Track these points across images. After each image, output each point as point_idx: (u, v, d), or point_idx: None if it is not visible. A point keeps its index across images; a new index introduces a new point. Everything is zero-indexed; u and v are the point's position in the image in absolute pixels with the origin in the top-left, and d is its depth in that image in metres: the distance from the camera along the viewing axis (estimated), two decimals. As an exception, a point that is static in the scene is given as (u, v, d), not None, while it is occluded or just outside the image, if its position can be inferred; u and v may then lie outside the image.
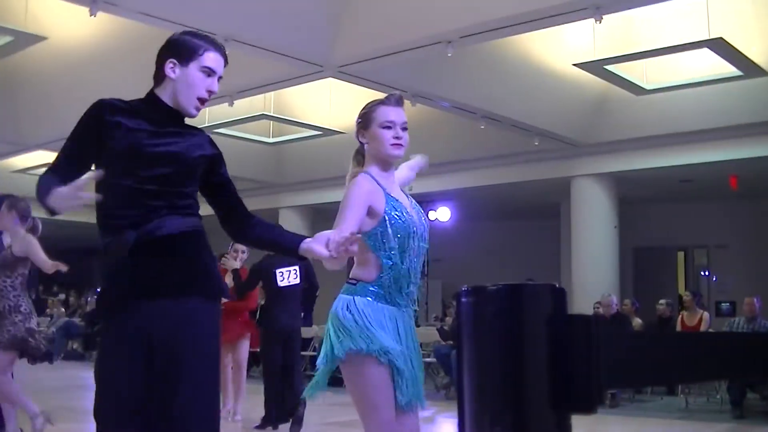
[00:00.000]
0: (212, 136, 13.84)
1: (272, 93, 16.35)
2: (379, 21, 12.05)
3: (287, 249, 4.10)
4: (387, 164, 4.39)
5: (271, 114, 17.61)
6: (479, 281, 2.01)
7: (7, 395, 8.16)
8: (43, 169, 14.18)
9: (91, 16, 10.94)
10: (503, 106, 15.23)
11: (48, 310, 25.53)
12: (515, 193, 20.17)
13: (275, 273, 9.94)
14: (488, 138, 16.97)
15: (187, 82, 3.85)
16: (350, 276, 4.30)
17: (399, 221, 4.21)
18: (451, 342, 13.84)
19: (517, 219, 23.14)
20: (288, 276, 9.97)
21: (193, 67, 3.84)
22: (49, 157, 20.57)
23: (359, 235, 3.83)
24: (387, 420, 4.15)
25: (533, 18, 11.17)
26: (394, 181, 4.42)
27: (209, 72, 3.87)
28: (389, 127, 4.30)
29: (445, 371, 14.42)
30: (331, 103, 17.51)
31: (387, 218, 4.19)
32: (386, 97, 4.47)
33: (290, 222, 22.79)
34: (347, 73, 13.27)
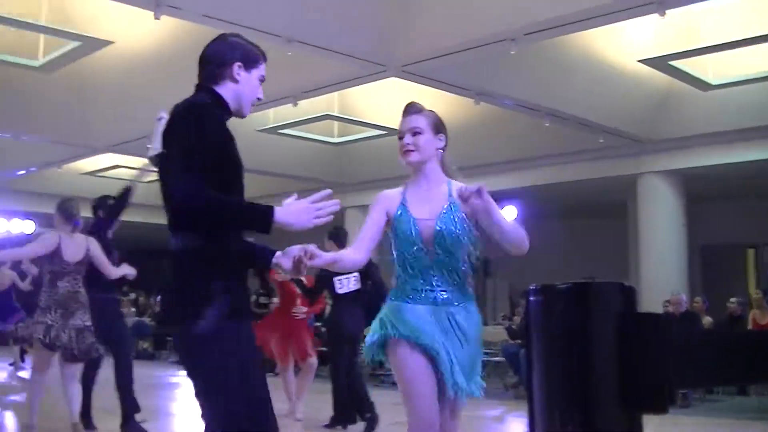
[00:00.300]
0: (277, 137, 14.00)
1: (336, 93, 16.39)
2: (441, 20, 12.02)
3: (260, 264, 4.29)
4: (414, 173, 4.56)
5: (336, 114, 17.65)
6: (546, 280, 1.99)
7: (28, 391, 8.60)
8: (112, 171, 14.44)
9: (155, 19, 11.04)
10: (567, 104, 15.14)
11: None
12: (581, 191, 20.03)
13: (334, 281, 9.99)
14: (553, 136, 16.88)
15: (250, 86, 4.09)
16: None
17: (402, 227, 4.40)
18: (520, 341, 13.77)
19: (584, 217, 22.96)
20: (348, 283, 9.99)
21: (254, 74, 4.11)
22: (118, 159, 20.93)
23: (314, 250, 3.97)
24: (420, 405, 4.20)
25: (597, 14, 11.09)
26: (428, 188, 4.52)
27: (262, 80, 4.17)
28: (400, 138, 4.51)
29: (513, 370, 14.35)
30: (395, 103, 17.49)
31: (392, 225, 4.46)
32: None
33: (356, 222, 22.76)
34: (410, 72, 13.27)
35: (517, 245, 4.48)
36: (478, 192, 4.10)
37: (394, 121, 15.60)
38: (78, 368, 8.59)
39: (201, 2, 11.11)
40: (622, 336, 1.77)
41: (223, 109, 4.00)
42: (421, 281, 4.35)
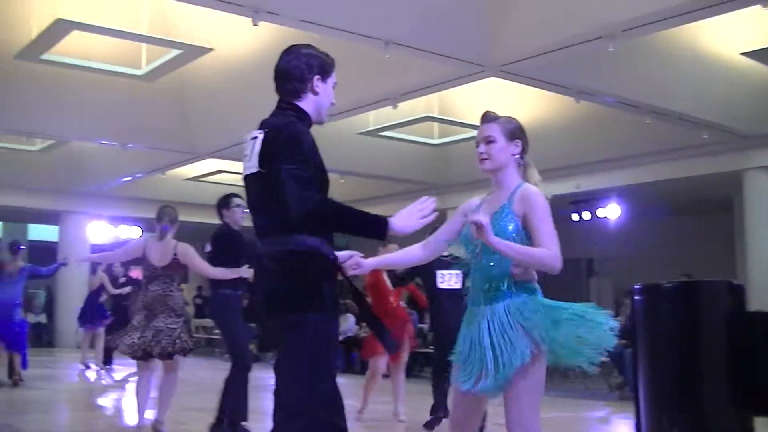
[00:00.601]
0: (377, 139, 14.12)
1: (436, 94, 16.36)
2: (539, 18, 11.94)
3: None
4: (492, 179, 4.70)
5: (435, 115, 17.64)
6: (650, 279, 1.96)
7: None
8: (214, 177, 14.77)
9: (254, 25, 11.15)
10: (669, 99, 14.91)
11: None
12: (685, 188, 19.72)
13: (436, 274, 9.88)
14: (655, 132, 16.64)
15: (327, 96, 4.44)
16: None
17: (464, 231, 4.63)
18: (624, 341, 13.58)
19: (689, 214, 22.59)
20: (449, 279, 9.89)
21: (329, 83, 4.45)
22: (219, 164, 21.25)
23: (357, 260, 4.54)
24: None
25: (698, 7, 10.88)
26: (499, 194, 4.64)
27: (335, 86, 4.50)
28: (477, 146, 4.66)
29: (618, 370, 14.17)
30: (494, 102, 17.41)
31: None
32: None
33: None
34: (509, 71, 13.18)
35: (538, 268, 4.47)
36: (478, 227, 4.20)
37: (494, 121, 15.21)
38: (175, 368, 8.77)
39: (299, 7, 11.18)
40: (732, 336, 1.73)
41: (307, 124, 4.33)
42: (473, 282, 4.62)
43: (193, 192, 23.92)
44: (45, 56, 14.37)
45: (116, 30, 13.42)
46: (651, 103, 14.82)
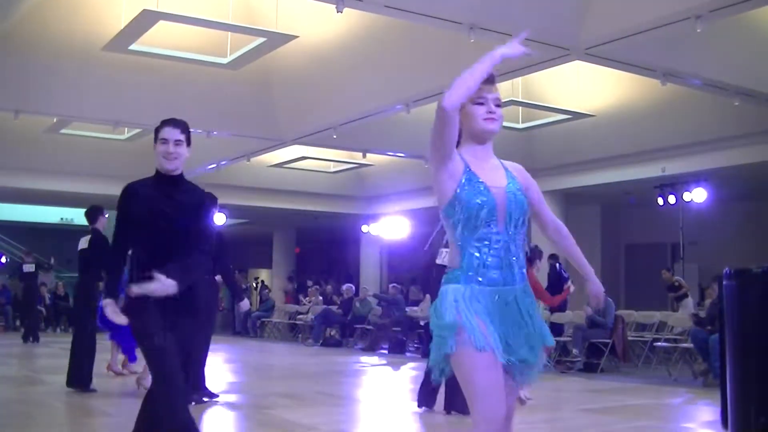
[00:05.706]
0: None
1: (520, 78, 16.26)
2: (623, 0, 11.82)
3: None
4: (481, 139, 4.22)
5: (520, 99, 17.54)
6: (738, 264, 1.93)
7: None
8: (299, 163, 14.96)
9: (338, 12, 11.18)
10: (758, 80, 14.63)
11: (307, 299, 26.50)
12: (774, 172, 19.36)
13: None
14: (743, 115, 16.37)
15: (158, 152, 5.79)
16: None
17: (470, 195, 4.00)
18: (710, 327, 13.40)
19: (778, 198, 22.19)
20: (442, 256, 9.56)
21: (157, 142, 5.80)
22: (304, 150, 21.40)
23: None
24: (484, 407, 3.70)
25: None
26: (486, 157, 4.23)
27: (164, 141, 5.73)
28: (481, 104, 4.20)
29: (702, 357, 13.98)
30: (579, 86, 17.27)
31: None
32: None
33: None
34: (594, 54, 13.05)
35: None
36: None
37: (580, 104, 15.35)
38: None
39: (382, -7, 11.20)
40: (824, 322, 1.70)
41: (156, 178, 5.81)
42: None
43: (277, 178, 24.06)
44: (132, 47, 14.58)
45: (201, 19, 13.57)
46: (739, 84, 14.57)
